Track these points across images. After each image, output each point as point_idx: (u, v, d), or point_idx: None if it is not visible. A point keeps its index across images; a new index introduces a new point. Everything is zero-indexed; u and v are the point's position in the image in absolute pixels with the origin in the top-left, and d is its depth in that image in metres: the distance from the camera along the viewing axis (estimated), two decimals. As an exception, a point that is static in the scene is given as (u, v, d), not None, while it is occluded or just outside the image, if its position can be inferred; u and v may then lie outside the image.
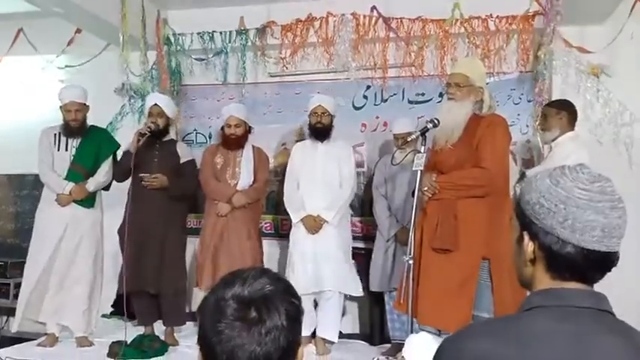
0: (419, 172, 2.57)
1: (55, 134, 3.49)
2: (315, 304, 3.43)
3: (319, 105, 3.48)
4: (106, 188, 3.64)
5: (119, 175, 3.56)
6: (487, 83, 2.80)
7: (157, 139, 3.52)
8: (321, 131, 3.48)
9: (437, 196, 2.55)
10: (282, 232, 4.14)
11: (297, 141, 3.91)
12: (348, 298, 3.61)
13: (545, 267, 0.91)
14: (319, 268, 3.32)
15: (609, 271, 0.90)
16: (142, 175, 3.42)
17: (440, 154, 2.64)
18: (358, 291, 3.42)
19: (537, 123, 3.69)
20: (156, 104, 3.55)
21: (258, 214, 3.70)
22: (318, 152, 3.50)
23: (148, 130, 3.43)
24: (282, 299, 0.87)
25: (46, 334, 3.44)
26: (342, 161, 3.48)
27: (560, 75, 3.76)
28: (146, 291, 3.44)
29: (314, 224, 3.37)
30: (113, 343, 3.23)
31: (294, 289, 0.92)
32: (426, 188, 2.55)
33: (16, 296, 4.16)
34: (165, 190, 3.47)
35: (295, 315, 0.88)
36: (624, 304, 1.51)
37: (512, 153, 3.61)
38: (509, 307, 2.12)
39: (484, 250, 2.44)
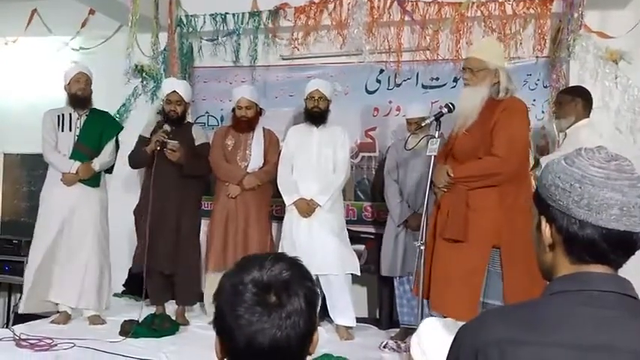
0: (432, 158, 2.58)
1: (59, 115, 3.51)
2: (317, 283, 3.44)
3: (316, 89, 3.45)
4: (109, 171, 3.66)
5: (135, 163, 3.61)
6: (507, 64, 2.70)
7: (175, 125, 3.51)
8: (317, 116, 3.46)
9: (450, 187, 2.53)
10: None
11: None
12: (355, 282, 3.61)
13: (564, 251, 0.88)
14: (318, 253, 3.30)
15: (633, 253, 0.86)
16: (168, 141, 3.39)
17: (456, 139, 2.62)
18: (357, 269, 3.41)
19: (552, 110, 3.63)
20: (174, 91, 3.54)
21: (267, 197, 3.70)
22: (313, 137, 3.49)
23: (164, 136, 3.40)
24: (300, 284, 0.88)
25: (58, 311, 3.49)
26: (337, 146, 3.46)
27: (578, 61, 3.69)
28: (159, 271, 3.48)
29: (307, 208, 3.37)
30: (125, 321, 3.28)
31: (310, 274, 0.93)
32: (440, 186, 2.55)
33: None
34: (179, 167, 3.46)
35: (313, 299, 0.89)
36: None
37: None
38: (520, 295, 2.10)
39: (495, 239, 2.42)
